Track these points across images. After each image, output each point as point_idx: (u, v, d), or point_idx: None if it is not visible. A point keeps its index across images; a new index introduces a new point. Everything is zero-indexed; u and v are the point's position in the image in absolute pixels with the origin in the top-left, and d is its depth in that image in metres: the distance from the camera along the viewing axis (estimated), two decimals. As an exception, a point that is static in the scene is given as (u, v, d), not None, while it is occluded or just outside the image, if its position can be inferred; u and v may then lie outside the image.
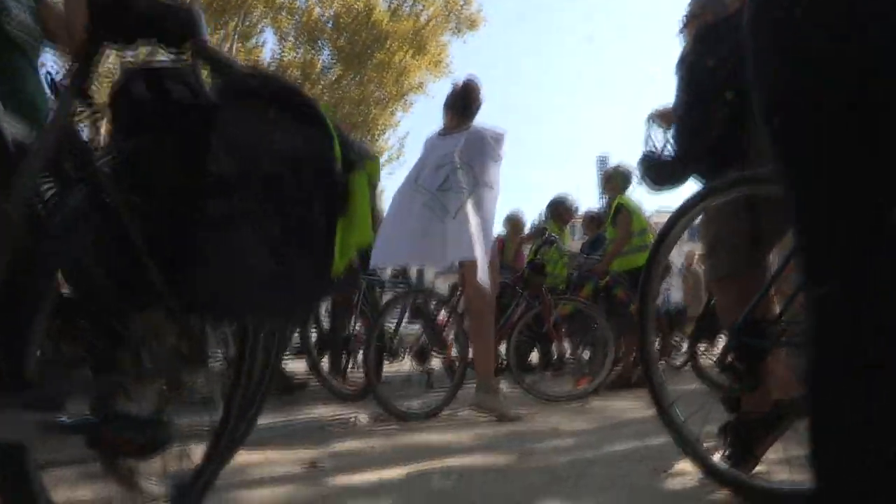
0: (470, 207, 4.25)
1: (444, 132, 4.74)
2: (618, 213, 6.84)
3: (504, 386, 6.03)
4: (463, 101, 4.70)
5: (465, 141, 4.47)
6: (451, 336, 5.52)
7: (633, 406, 4.93)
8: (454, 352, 5.20)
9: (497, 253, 9.23)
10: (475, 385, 4.50)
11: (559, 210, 7.96)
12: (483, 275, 4.12)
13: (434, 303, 5.00)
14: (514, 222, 9.01)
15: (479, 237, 4.18)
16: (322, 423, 4.19)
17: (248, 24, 21.55)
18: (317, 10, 21.97)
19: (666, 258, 2.53)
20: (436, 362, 5.21)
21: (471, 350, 4.66)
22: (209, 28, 20.01)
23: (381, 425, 4.26)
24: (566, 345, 7.50)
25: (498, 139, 4.50)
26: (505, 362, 5.75)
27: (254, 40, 22.21)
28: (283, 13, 21.99)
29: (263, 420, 2.08)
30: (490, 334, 4.57)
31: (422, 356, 4.75)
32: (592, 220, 9.09)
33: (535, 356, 7.86)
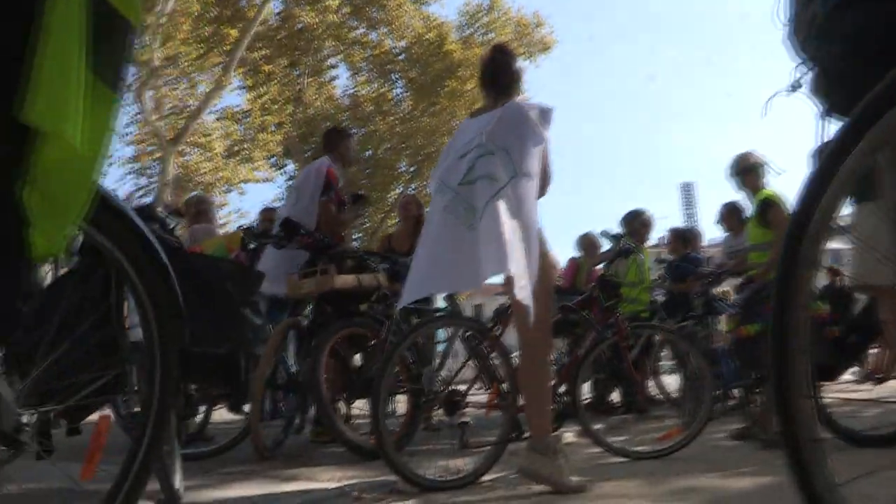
0: (504, 205, 3.07)
1: (477, 112, 3.59)
2: (767, 208, 5.20)
3: (571, 435, 4.76)
4: (491, 72, 3.54)
5: (497, 119, 3.29)
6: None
7: (755, 478, 3.63)
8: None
9: (570, 277, 8.17)
10: (526, 442, 3.28)
11: (635, 224, 6.67)
12: (523, 292, 2.93)
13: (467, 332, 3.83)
14: (588, 242, 7.76)
15: (517, 243, 3.00)
16: (313, 497, 3.06)
17: (318, 59, 21.12)
18: (388, 42, 21.38)
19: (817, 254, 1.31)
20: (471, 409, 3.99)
21: (521, 396, 3.46)
22: (284, 63, 19.75)
23: (397, 500, 3.09)
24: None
25: (544, 114, 3.30)
26: (569, 403, 4.47)
27: (327, 76, 21.77)
28: (356, 47, 21.51)
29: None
30: (545, 374, 3.35)
31: (453, 403, 3.56)
32: (678, 236, 7.76)
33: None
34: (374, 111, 21.19)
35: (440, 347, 5.82)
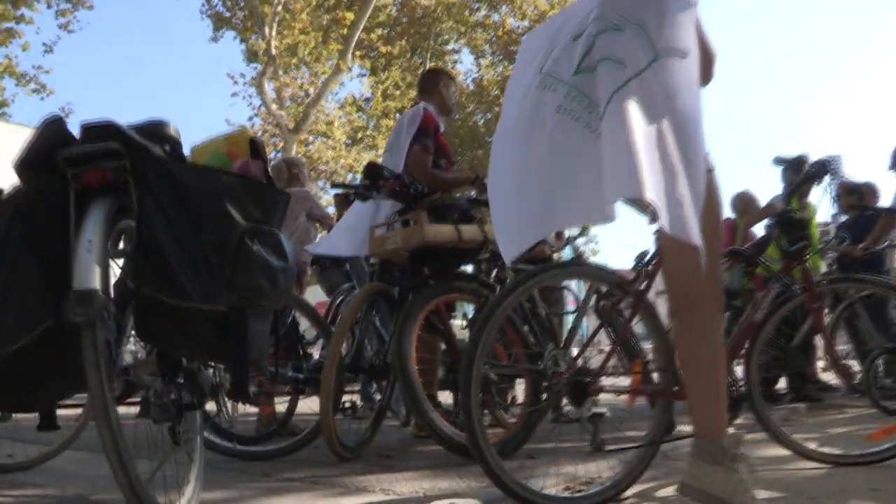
0: (639, 99, 1.96)
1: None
2: None
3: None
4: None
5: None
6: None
7: None
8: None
9: (727, 240, 6.72)
10: (691, 445, 2.14)
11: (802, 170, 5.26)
12: (678, 225, 1.82)
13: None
14: (745, 201, 6.41)
15: (661, 153, 1.91)
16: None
17: (440, 43, 20.36)
18: (511, 22, 20.37)
19: None
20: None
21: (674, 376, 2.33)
22: (405, 47, 19.10)
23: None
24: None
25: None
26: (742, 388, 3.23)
27: (449, 60, 21.06)
28: (478, 30, 20.65)
29: None
30: (716, 346, 2.18)
31: (579, 391, 2.44)
32: (851, 191, 6.28)
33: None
34: (500, 94, 20.29)
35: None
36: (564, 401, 2.51)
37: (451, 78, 4.81)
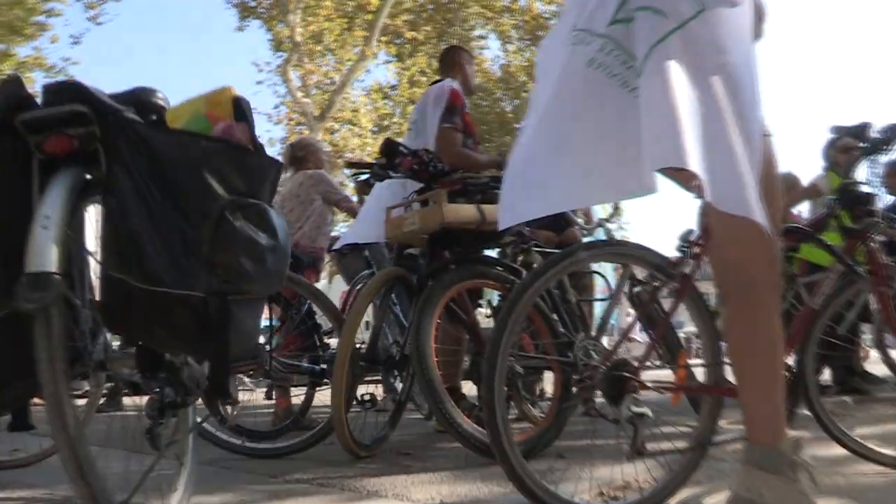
0: (683, 54, 1.67)
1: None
2: None
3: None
4: None
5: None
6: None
7: None
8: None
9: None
10: (743, 450, 1.85)
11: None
12: (742, 203, 1.54)
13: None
14: (788, 182, 6.04)
15: (706, 115, 1.63)
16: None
17: (466, 28, 20.02)
18: (538, 6, 19.97)
19: None
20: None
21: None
22: (431, 33, 18.82)
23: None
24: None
25: None
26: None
27: (476, 47, 20.71)
28: (505, 15, 20.29)
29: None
30: (774, 337, 1.87)
31: (617, 388, 2.14)
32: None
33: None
34: (528, 80, 19.96)
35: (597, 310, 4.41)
36: (598, 395, 2.25)
37: (473, 57, 4.56)
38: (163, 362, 1.72)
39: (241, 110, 1.65)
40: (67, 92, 1.59)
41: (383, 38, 16.22)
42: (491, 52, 20.39)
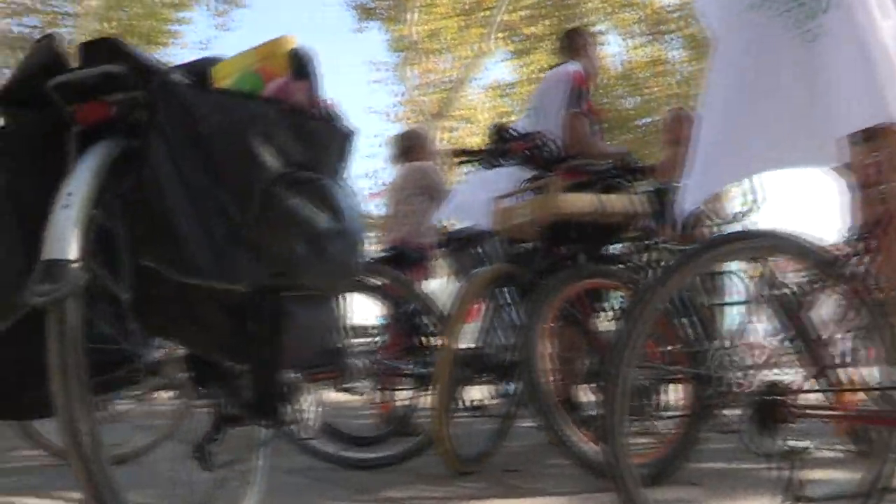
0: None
1: None
2: None
3: None
4: None
5: None
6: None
7: None
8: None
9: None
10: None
11: None
12: None
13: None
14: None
15: None
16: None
17: (585, 24, 19.43)
18: (659, -1, 19.22)
19: None
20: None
21: None
22: (549, 28, 18.38)
23: None
24: None
25: None
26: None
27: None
28: (625, 10, 19.63)
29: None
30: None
31: (769, 414, 1.71)
32: None
33: None
34: (650, 77, 19.21)
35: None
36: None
37: (595, 39, 4.17)
38: (219, 368, 1.45)
39: (300, 65, 1.34)
40: (104, 50, 1.33)
41: (501, 35, 15.92)
42: (611, 48, 19.66)
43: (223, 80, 1.36)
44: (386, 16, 16.28)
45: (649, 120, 18.78)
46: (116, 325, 1.27)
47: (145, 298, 1.24)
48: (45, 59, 1.35)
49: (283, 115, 1.27)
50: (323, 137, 1.33)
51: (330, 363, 1.81)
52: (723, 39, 1.64)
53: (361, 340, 3.47)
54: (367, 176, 15.73)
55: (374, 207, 6.80)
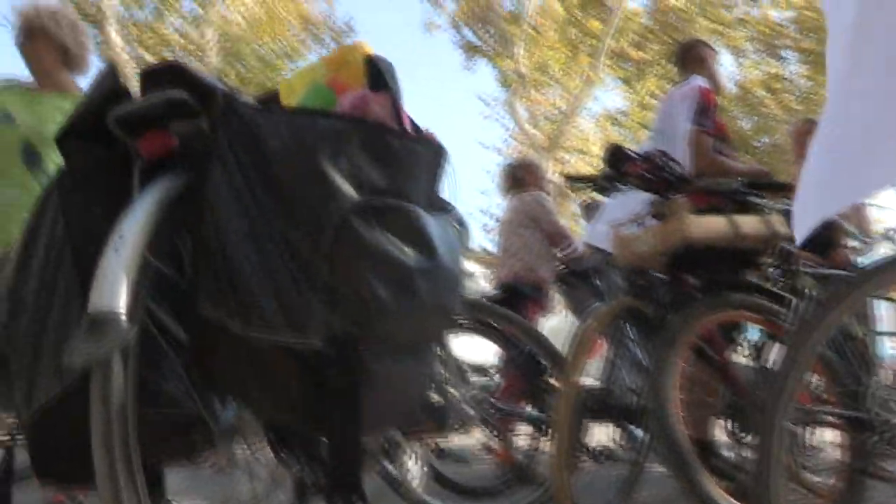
0: None
1: None
2: None
3: None
4: None
5: None
6: None
7: None
8: None
9: None
10: None
11: None
12: None
13: None
14: None
15: None
16: None
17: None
18: (772, 15, 18.45)
19: None
20: None
21: None
22: (658, 52, 17.90)
23: None
24: None
25: None
26: None
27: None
28: (737, 28, 18.94)
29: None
30: None
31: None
32: None
33: None
34: (765, 95, 18.38)
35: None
36: None
37: (716, 51, 3.86)
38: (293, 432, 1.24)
39: (377, 74, 1.14)
40: (166, 76, 1.18)
41: (609, 63, 15.61)
42: (724, 69, 19.08)
43: (290, 96, 1.18)
44: (493, 52, 16.28)
45: (767, 140, 17.96)
46: (181, 384, 1.09)
47: (207, 354, 1.06)
48: (106, 90, 1.20)
49: (359, 133, 1.06)
50: (408, 157, 1.12)
51: (430, 419, 1.60)
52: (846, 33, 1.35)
53: (475, 383, 3.26)
54: (482, 212, 15.66)
55: (490, 244, 6.61)
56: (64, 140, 1.21)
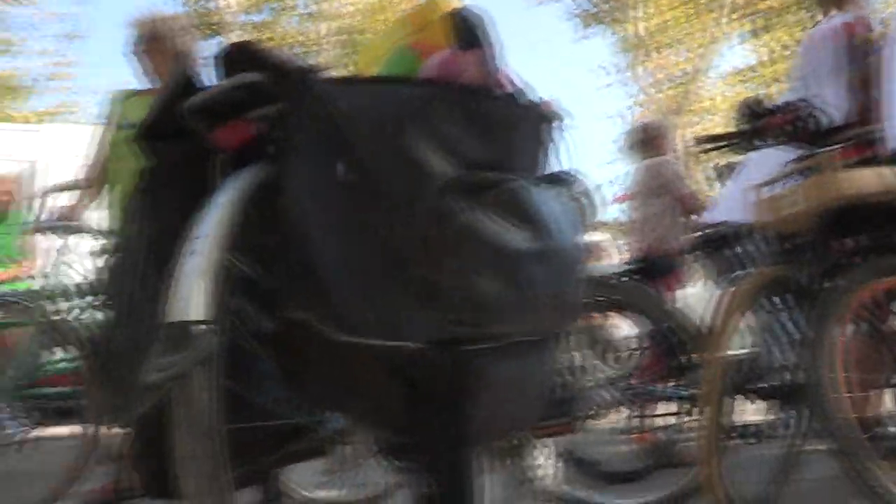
0: None
1: None
2: None
3: None
4: None
5: None
6: None
7: None
8: None
9: None
10: None
11: None
12: None
13: None
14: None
15: None
16: None
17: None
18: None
19: None
20: None
21: None
22: (789, 2, 16.74)
23: None
24: None
25: None
26: None
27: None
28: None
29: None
30: None
31: None
32: None
33: None
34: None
35: None
36: None
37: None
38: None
39: (466, 29, 0.97)
40: (241, 59, 1.07)
41: (734, 17, 14.72)
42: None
43: (370, 64, 1.03)
44: (610, 18, 15.71)
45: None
46: (275, 394, 0.99)
47: (297, 359, 0.94)
48: (180, 83, 1.11)
49: (449, 99, 0.91)
50: (508, 123, 0.95)
51: (558, 414, 1.44)
52: None
53: (612, 364, 3.08)
54: (611, 183, 15.21)
55: (621, 212, 6.35)
56: (143, 140, 1.13)
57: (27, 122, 12.69)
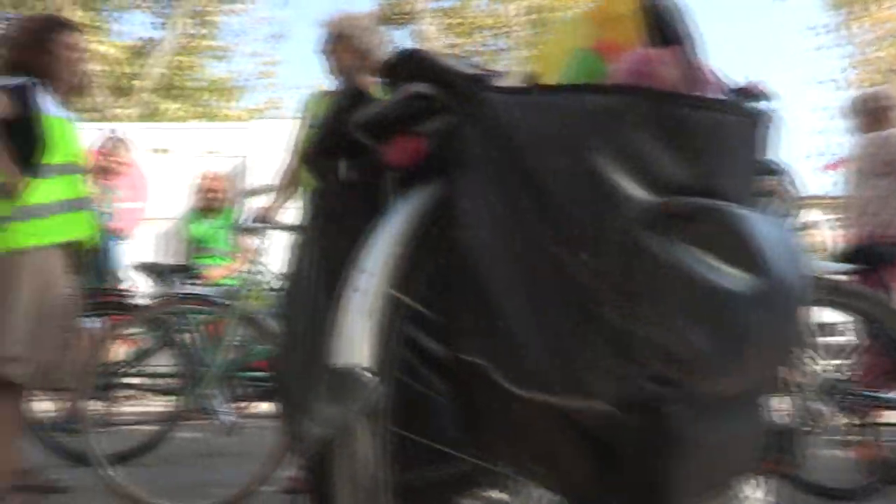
0: None
1: None
2: None
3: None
4: None
5: None
6: None
7: None
8: None
9: None
10: None
11: None
12: None
13: None
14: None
15: None
16: None
17: None
18: None
19: None
20: None
21: None
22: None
23: None
24: None
25: None
26: None
27: None
28: None
29: None
30: None
31: None
32: None
33: None
34: None
35: None
36: None
37: None
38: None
39: (660, 23, 0.80)
40: (411, 69, 0.97)
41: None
42: None
43: (547, 70, 0.89)
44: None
45: None
46: (449, 438, 0.89)
47: (473, 405, 0.84)
48: (349, 97, 1.04)
49: (642, 109, 0.75)
50: (716, 134, 0.78)
51: (775, 456, 1.24)
52: None
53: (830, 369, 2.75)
54: (820, 154, 13.89)
55: (832, 185, 5.66)
56: (314, 159, 1.07)
57: (239, 120, 13.62)
